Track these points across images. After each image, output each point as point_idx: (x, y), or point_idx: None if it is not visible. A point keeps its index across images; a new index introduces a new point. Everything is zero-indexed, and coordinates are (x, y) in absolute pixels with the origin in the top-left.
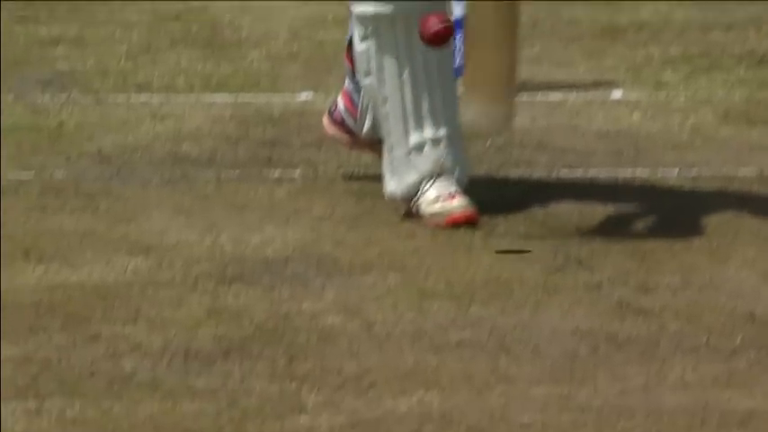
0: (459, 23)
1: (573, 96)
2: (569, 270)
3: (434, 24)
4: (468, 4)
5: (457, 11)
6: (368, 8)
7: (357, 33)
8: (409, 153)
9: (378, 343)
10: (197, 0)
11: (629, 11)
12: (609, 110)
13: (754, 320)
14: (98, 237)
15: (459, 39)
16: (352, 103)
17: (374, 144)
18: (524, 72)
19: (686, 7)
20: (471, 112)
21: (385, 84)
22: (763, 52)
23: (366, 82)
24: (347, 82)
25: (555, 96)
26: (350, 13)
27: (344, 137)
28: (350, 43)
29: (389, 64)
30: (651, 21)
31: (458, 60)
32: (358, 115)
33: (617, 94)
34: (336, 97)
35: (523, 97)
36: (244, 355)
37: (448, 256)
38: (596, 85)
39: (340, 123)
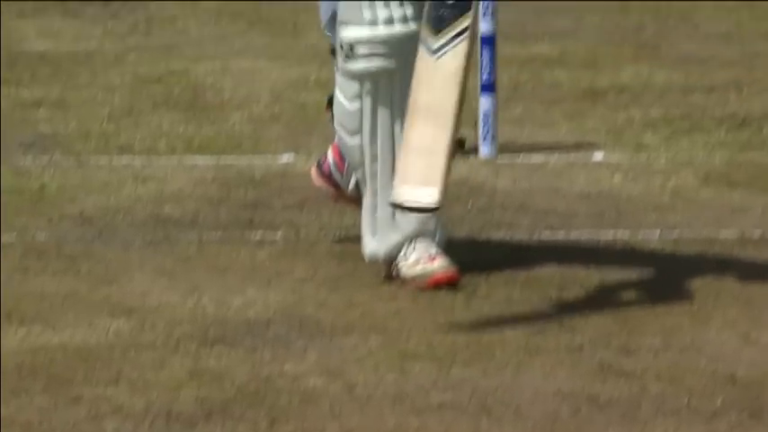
0: (489, 41)
1: (554, 158)
2: (551, 332)
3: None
4: (413, 82)
5: (484, 27)
6: (371, 64)
7: (347, 93)
8: (395, 213)
9: (359, 405)
10: (179, 63)
11: (610, 74)
12: (590, 172)
13: (735, 382)
14: (80, 299)
15: (485, 56)
16: (341, 157)
17: (359, 199)
18: (506, 133)
19: (666, 70)
20: (404, 190)
21: (377, 142)
22: (743, 115)
23: (354, 142)
24: (337, 136)
25: (536, 158)
26: (336, 74)
27: (330, 190)
28: (330, 103)
29: (383, 121)
30: (632, 83)
31: (485, 76)
32: (345, 170)
33: (598, 156)
34: (327, 151)
35: (505, 159)
36: (226, 417)
37: (429, 317)
38: (578, 147)
39: (327, 176)
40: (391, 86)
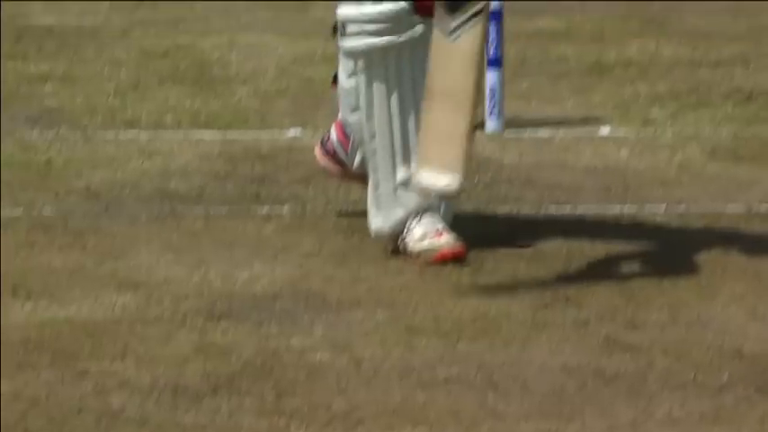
0: (496, 16)
1: (561, 133)
2: (557, 306)
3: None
4: (429, 65)
5: (494, 3)
6: (359, 42)
7: (345, 70)
8: (396, 189)
9: (366, 379)
10: (185, 37)
11: (617, 48)
12: (597, 146)
13: (741, 357)
14: (86, 273)
15: (493, 31)
16: (345, 134)
17: (364, 177)
18: (513, 108)
19: (673, 44)
20: (425, 173)
21: (373, 119)
22: (750, 89)
23: (353, 118)
24: (341, 113)
25: (543, 133)
26: (338, 50)
27: (335, 168)
28: (335, 80)
29: (379, 98)
30: (638, 58)
31: (492, 51)
32: (350, 147)
33: (605, 130)
34: (328, 129)
35: (511, 134)
36: (232, 392)
37: (436, 292)
38: (584, 121)
39: (332, 155)
40: (385, 64)
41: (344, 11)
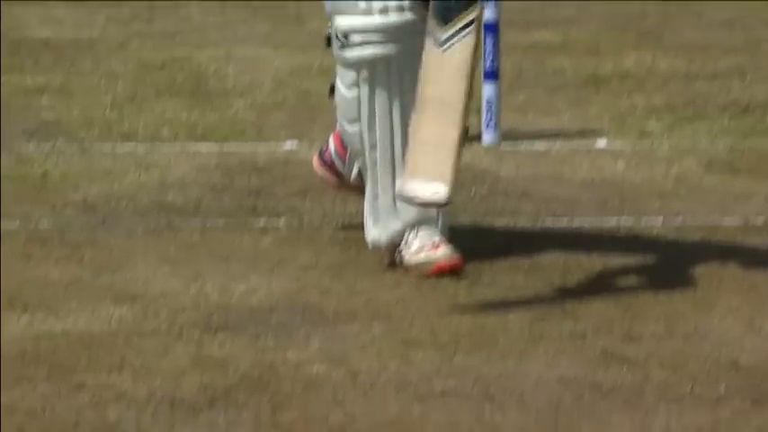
0: (492, 28)
1: (557, 145)
2: (554, 319)
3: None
4: (420, 75)
5: (488, 13)
6: (365, 52)
7: (345, 81)
8: (395, 201)
9: (362, 392)
10: (182, 50)
11: (613, 60)
12: (593, 159)
13: (738, 369)
14: (83, 286)
15: (489, 43)
16: (343, 146)
17: (362, 188)
18: (509, 121)
19: (670, 57)
20: (414, 183)
21: (375, 130)
22: (746, 102)
23: (353, 129)
24: (339, 124)
25: (539, 145)
26: (334, 61)
27: (333, 179)
28: (332, 90)
29: (381, 109)
30: (635, 70)
31: (488, 64)
32: (347, 158)
33: (601, 143)
34: (328, 140)
35: (508, 146)
36: (229, 404)
37: (432, 304)
38: (581, 134)
39: (329, 165)
40: (388, 74)
41: (347, 21)
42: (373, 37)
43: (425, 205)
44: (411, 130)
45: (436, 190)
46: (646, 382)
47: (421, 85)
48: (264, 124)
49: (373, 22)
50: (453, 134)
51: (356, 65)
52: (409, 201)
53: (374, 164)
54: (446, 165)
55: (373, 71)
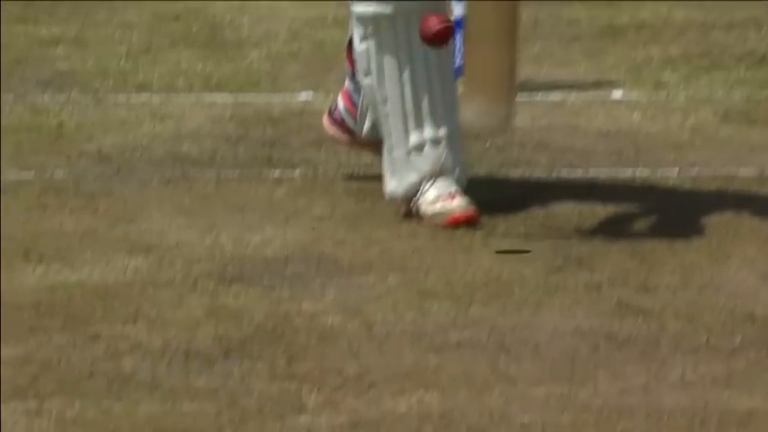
0: (459, 23)
1: (573, 96)
2: (569, 270)
3: (435, 24)
4: (467, 3)
5: (457, 10)
6: (368, 8)
7: (357, 33)
8: (409, 153)
9: (378, 343)
10: (197, 0)
11: (630, 11)
12: (609, 110)
13: (753, 320)
14: (98, 237)
15: (459, 38)
16: (352, 103)
17: (374, 144)
18: (525, 72)
19: (686, 7)
20: (471, 112)
21: (385, 83)
22: (763, 52)
23: (366, 82)
24: (347, 82)
25: (555, 96)
26: (350, 13)
27: (344, 136)
28: (350, 43)
29: (389, 64)
30: (651, 21)
31: (458, 60)
32: (358, 115)
33: (617, 93)
34: (336, 97)
35: (523, 97)
36: (244, 355)
37: (448, 256)
38: (596, 84)
39: (340, 123)
40: (394, 31)
41: None
42: None
43: (485, 132)
44: (464, 60)
45: (493, 116)
46: (661, 333)
47: (469, 17)
48: (279, 75)
49: None
50: (506, 59)
51: (362, 20)
52: (469, 129)
53: (386, 117)
54: (501, 90)
55: (378, 27)
